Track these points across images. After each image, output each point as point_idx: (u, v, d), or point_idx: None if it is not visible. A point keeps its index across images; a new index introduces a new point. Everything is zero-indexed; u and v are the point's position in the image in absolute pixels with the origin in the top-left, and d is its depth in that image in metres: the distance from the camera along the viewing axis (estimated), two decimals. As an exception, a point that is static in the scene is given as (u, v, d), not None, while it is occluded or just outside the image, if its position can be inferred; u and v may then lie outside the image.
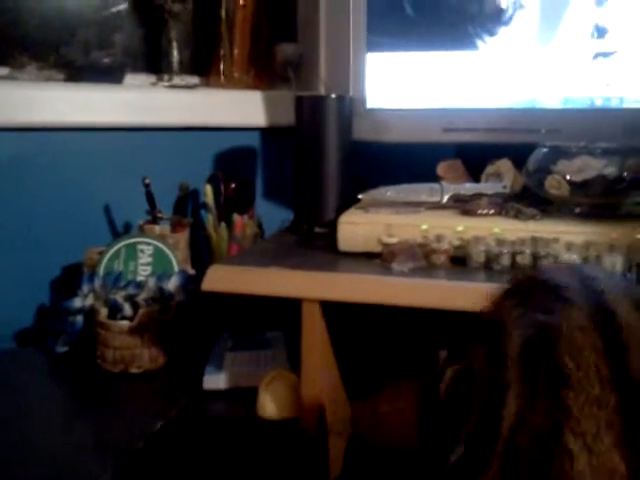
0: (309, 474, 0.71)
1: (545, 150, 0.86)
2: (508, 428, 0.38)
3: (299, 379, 0.78)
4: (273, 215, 1.19)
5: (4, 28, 1.04)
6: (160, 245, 0.99)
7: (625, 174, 0.80)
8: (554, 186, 0.83)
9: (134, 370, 0.91)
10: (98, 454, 0.72)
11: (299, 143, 1.00)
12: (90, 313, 0.94)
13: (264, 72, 1.27)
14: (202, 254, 1.12)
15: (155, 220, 1.05)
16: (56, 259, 1.06)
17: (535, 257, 0.76)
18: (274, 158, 1.29)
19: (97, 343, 0.92)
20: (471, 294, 0.65)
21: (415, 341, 0.87)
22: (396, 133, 1.03)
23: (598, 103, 0.97)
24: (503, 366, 0.41)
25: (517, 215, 0.84)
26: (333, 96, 1.00)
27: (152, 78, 1.20)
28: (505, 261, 0.77)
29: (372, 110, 1.04)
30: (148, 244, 0.99)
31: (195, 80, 1.23)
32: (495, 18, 0.98)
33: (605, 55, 0.95)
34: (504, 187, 0.91)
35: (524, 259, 0.77)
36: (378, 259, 0.82)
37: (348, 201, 0.96)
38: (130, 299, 0.94)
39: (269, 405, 0.80)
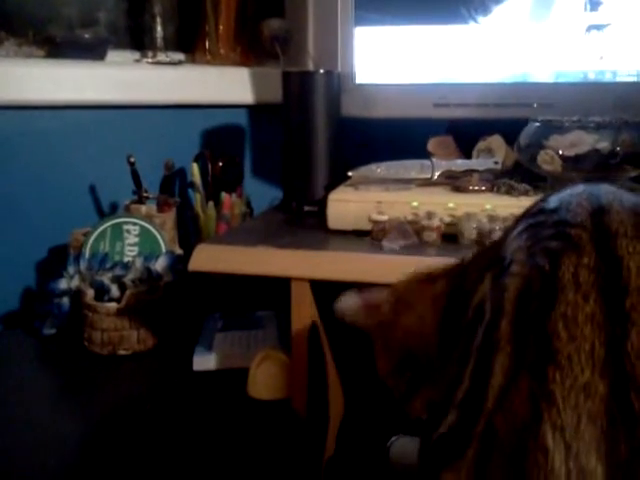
0: (301, 454, 0.71)
1: (537, 125, 0.84)
2: (492, 401, 0.36)
3: (290, 359, 0.77)
4: (262, 193, 1.17)
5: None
6: (147, 225, 0.98)
7: (618, 149, 0.79)
8: (546, 161, 0.82)
9: (122, 352, 0.91)
10: (86, 437, 0.71)
11: (287, 120, 0.98)
12: (77, 295, 0.93)
13: (251, 48, 1.24)
14: (190, 234, 1.11)
15: (141, 200, 1.04)
16: (42, 240, 1.04)
17: (527, 233, 0.75)
18: (262, 136, 1.27)
19: (85, 325, 0.91)
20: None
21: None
22: (386, 108, 1.01)
23: (591, 77, 0.96)
24: (499, 312, 0.38)
25: (509, 191, 0.83)
26: (321, 71, 0.98)
27: (136, 55, 1.17)
28: (497, 237, 0.76)
29: (361, 85, 1.02)
30: (134, 224, 0.98)
31: (180, 56, 1.20)
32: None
33: (598, 28, 0.93)
34: (496, 163, 0.90)
35: (516, 235, 0.76)
36: (368, 237, 0.81)
37: (338, 179, 0.94)
38: (117, 280, 0.92)
39: (260, 385, 0.79)
